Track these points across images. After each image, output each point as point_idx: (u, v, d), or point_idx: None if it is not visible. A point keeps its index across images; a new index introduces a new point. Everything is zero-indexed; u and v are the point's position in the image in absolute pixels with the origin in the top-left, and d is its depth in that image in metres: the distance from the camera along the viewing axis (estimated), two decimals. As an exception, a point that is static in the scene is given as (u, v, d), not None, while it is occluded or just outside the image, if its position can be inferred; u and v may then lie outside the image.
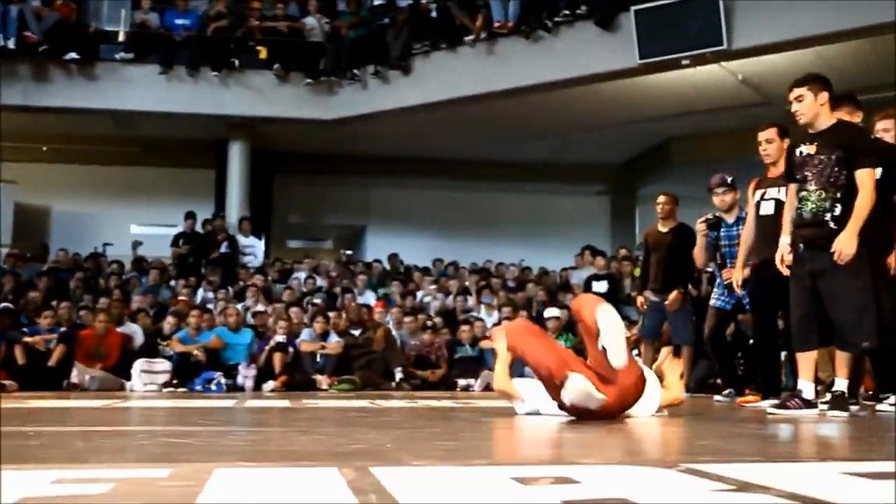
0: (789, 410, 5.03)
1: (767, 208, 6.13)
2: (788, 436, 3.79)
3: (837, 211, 4.94)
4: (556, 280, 14.23)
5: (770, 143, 6.16)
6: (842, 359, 5.01)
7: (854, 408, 5.08)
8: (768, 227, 6.00)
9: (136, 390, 9.49)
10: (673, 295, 7.96)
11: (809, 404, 5.08)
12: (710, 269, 7.90)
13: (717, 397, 7.25)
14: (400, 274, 14.80)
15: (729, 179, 7.28)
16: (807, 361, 5.15)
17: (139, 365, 9.71)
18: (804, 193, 5.07)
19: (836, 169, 4.96)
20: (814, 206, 5.02)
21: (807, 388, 5.11)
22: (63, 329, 10.25)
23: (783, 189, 5.72)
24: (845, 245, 4.83)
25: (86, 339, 10.11)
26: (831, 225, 4.95)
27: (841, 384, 5.00)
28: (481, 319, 11.85)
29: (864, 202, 4.88)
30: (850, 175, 4.94)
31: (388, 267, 15.18)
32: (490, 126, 15.10)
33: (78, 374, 9.57)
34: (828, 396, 5.17)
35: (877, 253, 5.15)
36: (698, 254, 7.48)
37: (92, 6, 14.41)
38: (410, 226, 18.13)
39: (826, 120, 5.10)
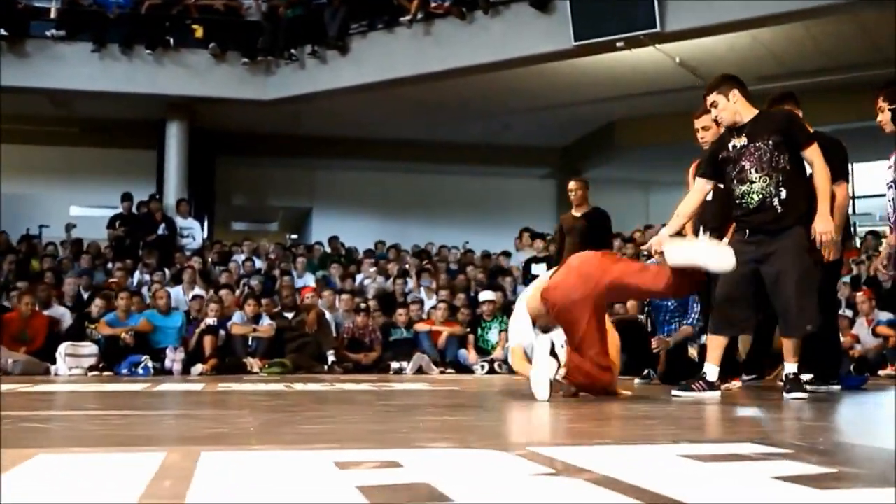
0: (693, 392, 5.04)
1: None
2: (667, 419, 3.77)
3: (784, 194, 4.94)
4: (498, 263, 14.21)
5: (706, 130, 6.09)
6: (789, 342, 5.01)
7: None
8: (707, 212, 6.00)
9: (61, 374, 9.33)
10: None
11: (712, 386, 5.08)
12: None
13: (636, 380, 7.31)
14: (341, 256, 14.70)
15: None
16: (715, 343, 5.15)
17: (64, 348, 9.56)
18: (745, 187, 5.03)
19: (776, 153, 4.97)
20: (759, 194, 4.99)
21: (711, 370, 5.11)
22: (-14, 313, 10.04)
23: None
24: (822, 225, 4.87)
25: (11, 323, 9.93)
26: (779, 209, 4.95)
27: (791, 367, 5.01)
28: (420, 302, 11.80)
29: (822, 179, 4.93)
30: (790, 158, 4.95)
31: (329, 249, 15.07)
32: (431, 107, 15.04)
33: (1, 358, 9.38)
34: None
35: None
36: (632, 308, 7.58)
37: (21, -19, 14.11)
38: (356, 208, 18.05)
39: (748, 112, 5.11)
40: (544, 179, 18.62)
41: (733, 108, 5.08)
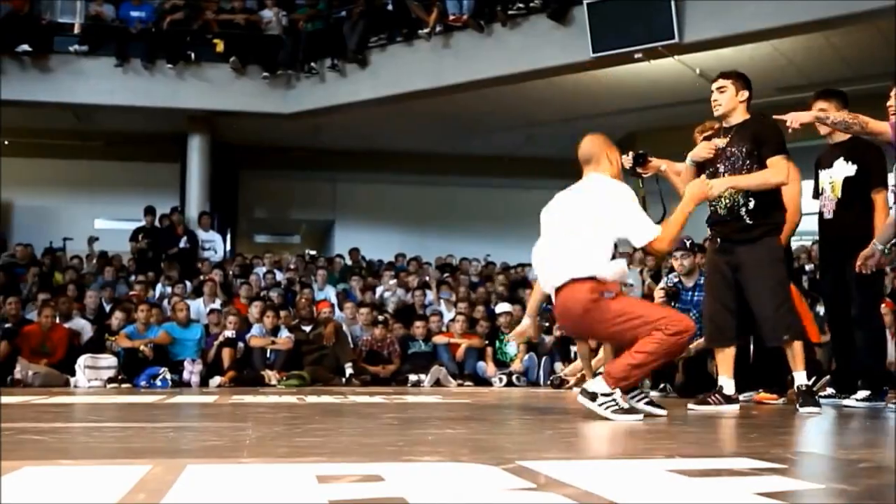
0: (710, 406, 4.99)
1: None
2: (670, 432, 3.72)
3: (752, 205, 4.97)
4: (519, 275, 14.18)
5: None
6: (795, 352, 4.98)
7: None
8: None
9: (81, 386, 9.38)
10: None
11: (729, 400, 5.04)
12: None
13: (653, 393, 7.23)
14: (361, 269, 14.72)
15: (688, 243, 7.28)
16: (725, 356, 5.11)
17: (83, 360, 9.60)
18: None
19: (748, 162, 4.96)
20: (728, 200, 5.01)
21: (727, 383, 5.08)
22: (7, 325, 10.11)
23: None
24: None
25: (31, 335, 10.00)
26: (746, 220, 4.96)
27: (801, 377, 4.97)
28: (439, 314, 11.78)
29: (767, 174, 4.90)
30: (761, 167, 4.92)
31: (349, 262, 15.10)
32: (450, 119, 15.05)
33: (21, 370, 9.45)
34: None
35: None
36: None
37: (45, -2, 14.31)
38: (377, 220, 18.06)
39: (740, 116, 5.12)
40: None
41: (734, 104, 5.08)
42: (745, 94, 5.11)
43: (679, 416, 4.64)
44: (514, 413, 4.14)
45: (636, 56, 11.50)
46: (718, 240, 5.12)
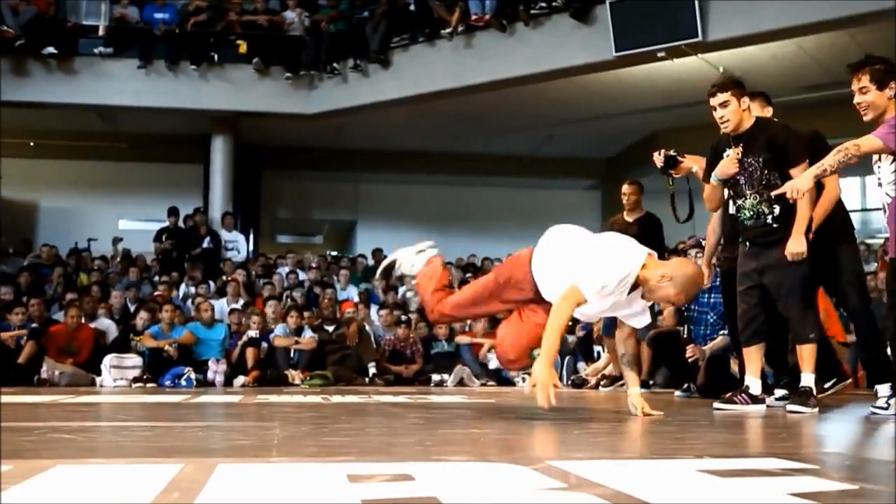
0: (736, 406, 4.97)
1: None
2: (696, 432, 3.71)
3: (777, 211, 4.96)
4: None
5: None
6: (805, 353, 4.95)
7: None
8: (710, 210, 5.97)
9: (106, 385, 9.46)
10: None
11: (756, 400, 5.02)
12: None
13: (677, 393, 7.21)
14: (384, 269, 14.72)
15: (702, 241, 7.23)
16: (753, 356, 5.10)
17: (109, 360, 9.68)
18: (739, 202, 5.10)
19: (766, 172, 4.93)
20: (751, 210, 4.99)
21: (753, 383, 5.07)
22: (34, 325, 10.20)
23: None
24: (794, 247, 4.84)
25: (57, 335, 10.08)
26: (773, 225, 4.95)
27: (807, 379, 4.95)
28: (461, 314, 11.76)
29: (803, 201, 4.82)
30: (781, 175, 4.88)
31: (372, 262, 15.12)
32: (473, 119, 15.05)
33: (48, 370, 9.53)
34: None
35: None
36: (668, 317, 7.46)
37: (70, 1, 14.36)
38: (399, 221, 18.07)
39: (747, 122, 5.06)
40: (589, 191, 18.53)
41: (741, 114, 5.01)
42: (747, 100, 5.05)
43: (705, 416, 4.63)
44: (539, 413, 4.13)
45: (659, 55, 11.46)
46: (747, 243, 5.11)
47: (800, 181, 4.45)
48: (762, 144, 4.96)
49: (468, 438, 3.35)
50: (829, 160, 4.35)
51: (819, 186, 5.04)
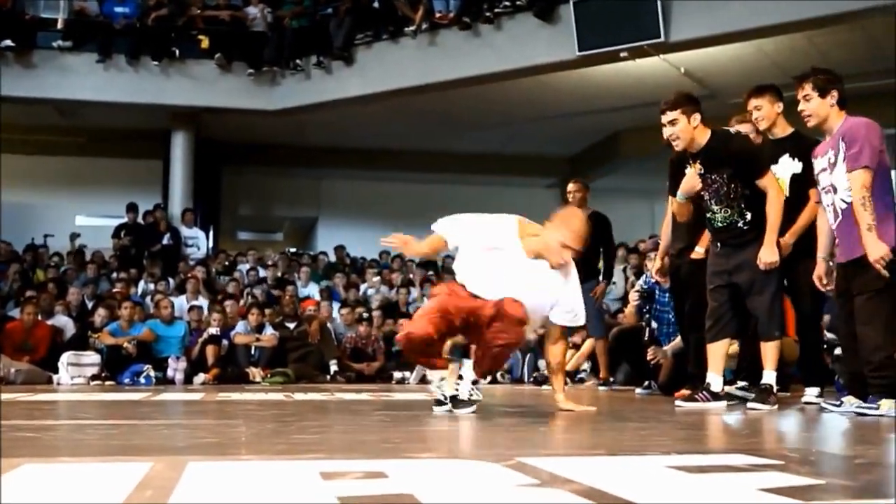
0: (697, 403, 5.04)
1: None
2: (661, 429, 3.75)
3: (748, 217, 5.06)
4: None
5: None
6: (767, 350, 5.04)
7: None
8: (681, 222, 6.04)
9: (64, 384, 9.32)
10: (599, 287, 7.94)
11: (717, 397, 5.08)
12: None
13: (637, 390, 7.28)
14: (345, 266, 14.72)
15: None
16: (717, 353, 5.15)
17: (66, 358, 9.54)
18: (708, 214, 5.16)
19: (732, 185, 5.01)
20: (722, 221, 5.07)
21: (715, 380, 5.13)
22: (-13, 323, 10.05)
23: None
24: (767, 256, 4.92)
25: (13, 332, 9.92)
26: (744, 228, 5.04)
27: (768, 376, 5.03)
28: (422, 311, 11.76)
29: (773, 209, 4.95)
30: (749, 186, 4.97)
31: (333, 259, 15.09)
32: (436, 117, 15.05)
33: (3, 367, 9.35)
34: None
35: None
36: (629, 316, 7.50)
37: (28, -7, 14.17)
38: (361, 218, 18.05)
39: (702, 137, 5.05)
40: (550, 189, 18.60)
41: (691, 132, 5.00)
42: (698, 116, 5.01)
43: (668, 413, 4.68)
44: (504, 410, 4.17)
45: (622, 55, 11.54)
46: (718, 244, 5.17)
47: (872, 247, 4.36)
48: (724, 159, 5.00)
49: (436, 436, 3.36)
50: (867, 215, 4.35)
51: (801, 197, 5.14)
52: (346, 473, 2.14)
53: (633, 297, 7.45)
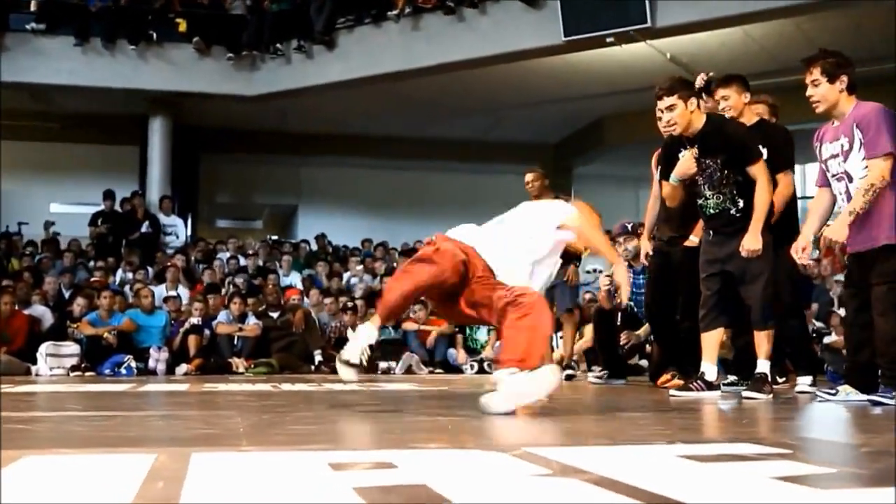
0: (691, 393, 5.07)
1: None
2: (660, 418, 3.78)
3: (741, 204, 5.10)
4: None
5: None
6: (761, 339, 5.08)
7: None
8: (672, 207, 6.07)
9: (42, 375, 9.28)
10: (570, 269, 7.93)
11: (711, 386, 5.12)
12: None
13: (590, 377, 7.42)
14: (327, 254, 14.70)
15: (629, 226, 7.33)
16: (711, 342, 5.18)
17: (45, 348, 9.49)
18: (700, 200, 5.19)
19: (725, 172, 5.04)
20: (715, 208, 5.10)
21: (709, 369, 5.16)
22: (-38, 312, 9.95)
23: None
24: (751, 243, 4.94)
25: (-10, 322, 9.84)
26: (736, 215, 5.07)
27: (763, 365, 5.07)
28: (406, 301, 11.77)
29: (761, 198, 5.00)
30: (742, 173, 5.02)
31: (315, 247, 15.07)
32: (419, 103, 15.04)
33: (-20, 359, 9.31)
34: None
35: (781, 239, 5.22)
36: (602, 301, 7.52)
37: (0, -26, 13.98)
38: (342, 206, 18.05)
39: (698, 122, 5.09)
40: (533, 176, 18.63)
41: (689, 117, 5.04)
42: (694, 101, 5.07)
43: (663, 403, 4.72)
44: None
45: (608, 40, 11.57)
46: (710, 232, 5.21)
47: (837, 231, 4.54)
48: (719, 145, 5.04)
49: (436, 426, 3.37)
50: (860, 202, 4.42)
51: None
52: (355, 464, 2.15)
53: (605, 281, 7.47)
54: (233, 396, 5.38)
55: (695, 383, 5.13)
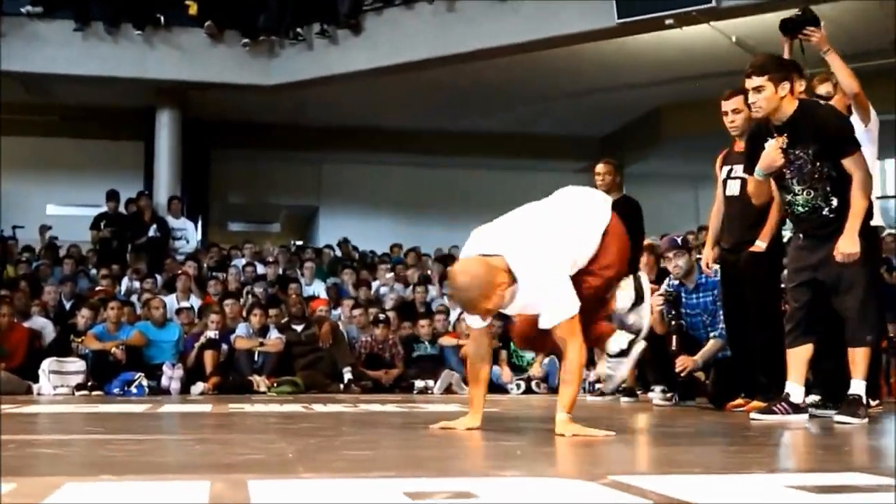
0: (775, 416, 5.04)
1: (733, 188, 6.17)
2: (751, 445, 3.79)
3: (834, 203, 5.02)
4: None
5: (737, 114, 6.16)
6: (856, 356, 5.01)
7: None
8: (733, 211, 6.11)
9: (45, 393, 9.39)
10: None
11: (798, 409, 5.08)
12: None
13: (653, 397, 7.41)
14: (353, 261, 14.76)
15: (679, 240, 7.26)
16: (798, 360, 5.13)
17: (48, 365, 9.60)
18: (788, 196, 5.13)
19: (818, 164, 4.98)
20: (804, 207, 5.06)
21: (795, 390, 5.11)
22: (-43, 325, 10.08)
23: None
24: (847, 247, 4.88)
25: (-14, 336, 9.97)
26: (830, 216, 5.01)
27: (857, 386, 4.99)
28: (445, 312, 11.83)
29: (858, 195, 4.93)
30: (835, 166, 4.96)
31: (339, 253, 15.14)
32: (454, 93, 15.08)
33: (-24, 377, 9.43)
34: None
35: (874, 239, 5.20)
36: (656, 324, 7.47)
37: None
38: (368, 206, 18.12)
39: (788, 109, 5.06)
40: (580, 173, 18.59)
41: (778, 102, 5.01)
42: (787, 85, 5.01)
43: (743, 427, 4.72)
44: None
45: (667, 22, 11.53)
46: (800, 235, 5.17)
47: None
48: (810, 133, 4.99)
49: (503, 451, 3.41)
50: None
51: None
52: (432, 493, 2.19)
53: (657, 301, 7.38)
54: (264, 418, 5.44)
55: (779, 405, 5.10)
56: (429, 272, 13.83)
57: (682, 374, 7.21)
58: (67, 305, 11.68)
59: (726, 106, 6.20)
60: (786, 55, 5.79)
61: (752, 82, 5.03)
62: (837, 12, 11.82)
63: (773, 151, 5.07)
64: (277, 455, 3.11)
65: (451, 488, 2.27)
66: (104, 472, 2.57)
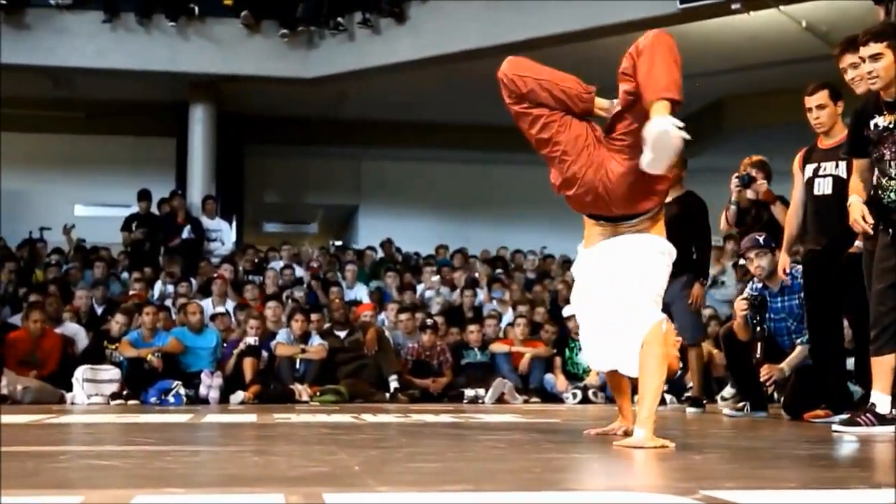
0: (859, 427, 5.01)
1: (824, 187, 6.11)
2: (842, 458, 3.78)
3: None
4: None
5: (822, 109, 6.10)
6: None
7: None
8: (824, 210, 6.03)
9: (79, 402, 9.51)
10: (696, 290, 7.89)
11: (884, 420, 5.04)
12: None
13: (724, 409, 7.37)
14: (397, 263, 14.82)
15: (761, 239, 7.18)
16: (884, 368, 5.09)
17: (81, 373, 9.71)
18: (883, 181, 5.02)
19: None
20: None
21: (882, 400, 5.07)
22: (-12, 332, 10.26)
23: (843, 164, 5.76)
24: None
25: (17, 343, 10.08)
26: None
27: None
28: (496, 317, 11.86)
29: None
30: None
31: (382, 255, 15.20)
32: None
33: (8, 384, 9.53)
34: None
35: None
36: (739, 331, 7.42)
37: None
38: (410, 205, 18.15)
39: None
40: (636, 169, 18.59)
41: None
42: None
43: (826, 439, 4.70)
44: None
45: (733, 6, 11.47)
46: (889, 230, 5.06)
47: None
48: None
49: (577, 464, 3.43)
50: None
51: None
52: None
53: (741, 306, 7.33)
54: (315, 429, 5.49)
55: (863, 416, 5.07)
56: (476, 275, 13.85)
57: (768, 384, 7.17)
58: (99, 311, 11.81)
59: (810, 102, 6.14)
60: None
61: (868, 49, 4.93)
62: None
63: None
64: (343, 467, 3.15)
65: (532, 503, 2.29)
66: (169, 485, 2.62)
